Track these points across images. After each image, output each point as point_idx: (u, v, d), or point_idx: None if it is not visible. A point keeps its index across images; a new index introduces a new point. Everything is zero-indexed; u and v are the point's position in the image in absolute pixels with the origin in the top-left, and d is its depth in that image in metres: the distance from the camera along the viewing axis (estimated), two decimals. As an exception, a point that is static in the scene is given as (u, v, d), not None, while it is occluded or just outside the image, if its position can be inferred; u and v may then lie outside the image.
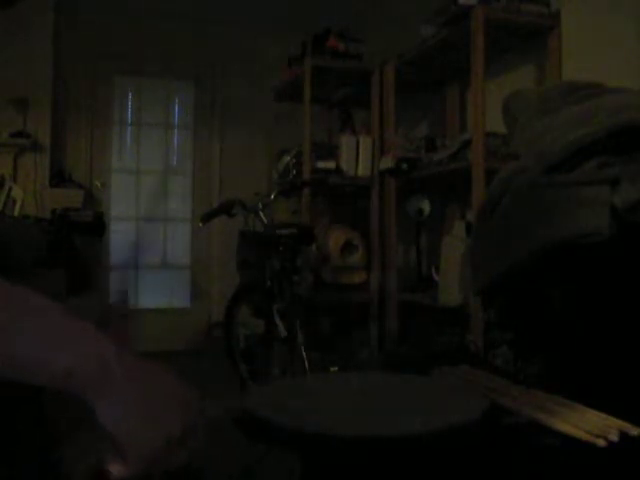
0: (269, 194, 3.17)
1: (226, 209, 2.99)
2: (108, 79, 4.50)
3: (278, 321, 2.77)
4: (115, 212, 4.50)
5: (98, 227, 3.89)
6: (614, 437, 0.77)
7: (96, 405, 0.52)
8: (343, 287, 3.52)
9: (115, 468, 0.53)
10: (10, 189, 3.87)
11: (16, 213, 3.80)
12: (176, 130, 4.76)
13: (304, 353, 2.57)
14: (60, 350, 0.51)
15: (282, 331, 2.74)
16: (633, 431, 0.79)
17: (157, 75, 4.60)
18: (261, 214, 2.99)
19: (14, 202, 3.85)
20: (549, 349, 1.24)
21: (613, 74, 2.16)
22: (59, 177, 4.19)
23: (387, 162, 3.32)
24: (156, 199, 4.67)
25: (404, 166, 3.16)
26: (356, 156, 3.62)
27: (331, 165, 3.59)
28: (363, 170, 3.61)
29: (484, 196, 1.57)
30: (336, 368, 2.56)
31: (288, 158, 3.83)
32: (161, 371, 0.57)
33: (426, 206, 3.26)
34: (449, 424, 0.74)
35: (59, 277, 2.74)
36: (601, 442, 0.77)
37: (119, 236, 4.51)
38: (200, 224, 3.06)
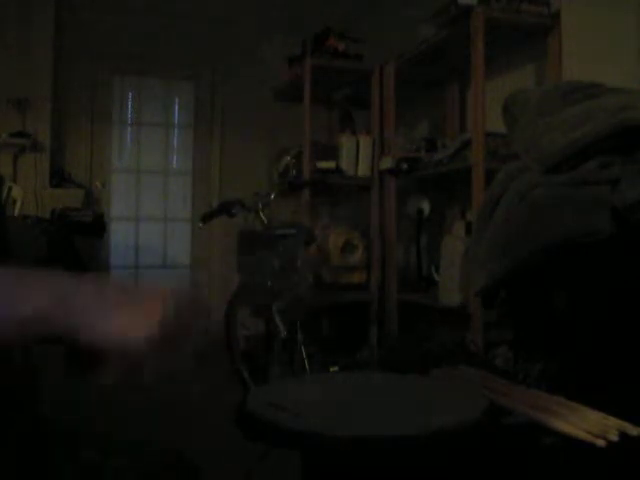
0: (269, 194, 3.17)
1: (226, 209, 2.99)
2: (108, 79, 4.49)
3: (278, 321, 2.77)
4: (115, 212, 4.50)
5: (98, 227, 3.88)
6: (614, 437, 0.77)
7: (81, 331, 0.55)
8: (343, 287, 3.52)
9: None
10: (10, 189, 3.87)
11: (16, 213, 3.80)
12: (176, 130, 4.76)
13: (304, 353, 2.57)
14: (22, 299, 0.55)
15: (282, 331, 2.74)
16: (633, 431, 0.79)
17: (157, 75, 4.60)
18: (261, 214, 2.99)
19: (14, 202, 3.84)
20: (549, 349, 1.24)
21: (613, 74, 2.16)
22: (59, 177, 4.18)
23: (387, 162, 3.32)
24: (156, 199, 4.67)
25: (404, 166, 3.15)
26: (356, 156, 3.62)
27: (331, 165, 3.59)
28: (363, 170, 3.61)
29: (484, 196, 1.57)
30: (336, 368, 2.56)
31: (288, 158, 3.83)
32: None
33: (426, 206, 3.26)
34: (449, 424, 0.74)
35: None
36: (601, 442, 0.77)
37: (119, 236, 4.51)
38: (200, 224, 3.06)
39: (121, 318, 0.57)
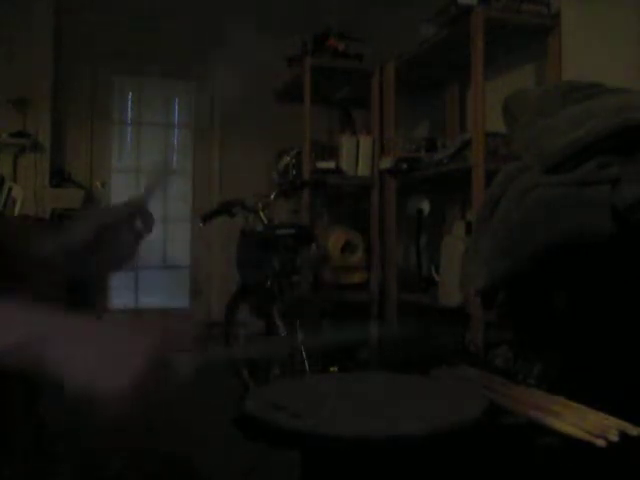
0: (269, 194, 3.17)
1: (226, 209, 2.99)
2: (108, 79, 4.49)
3: (278, 321, 2.77)
4: (115, 212, 4.49)
5: (98, 227, 3.87)
6: (614, 437, 0.77)
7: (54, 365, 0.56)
8: (343, 287, 3.52)
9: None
10: (10, 189, 3.87)
11: (16, 213, 3.80)
12: (176, 130, 4.76)
13: (304, 353, 2.57)
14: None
15: (282, 331, 2.74)
16: (633, 431, 0.79)
17: (157, 75, 4.60)
18: (261, 214, 2.98)
19: (14, 202, 3.84)
20: (549, 349, 1.24)
21: (613, 74, 2.16)
22: (59, 177, 4.18)
23: (387, 162, 3.31)
24: (156, 199, 4.67)
25: (404, 166, 3.15)
26: (356, 156, 3.62)
27: (331, 165, 3.59)
28: (363, 170, 3.61)
29: (484, 196, 1.57)
30: (336, 368, 2.56)
31: (288, 158, 3.83)
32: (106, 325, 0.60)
33: (426, 206, 3.25)
34: (449, 424, 0.74)
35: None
36: (601, 442, 0.77)
37: (119, 236, 4.50)
38: (200, 224, 3.06)
39: (101, 356, 0.57)
